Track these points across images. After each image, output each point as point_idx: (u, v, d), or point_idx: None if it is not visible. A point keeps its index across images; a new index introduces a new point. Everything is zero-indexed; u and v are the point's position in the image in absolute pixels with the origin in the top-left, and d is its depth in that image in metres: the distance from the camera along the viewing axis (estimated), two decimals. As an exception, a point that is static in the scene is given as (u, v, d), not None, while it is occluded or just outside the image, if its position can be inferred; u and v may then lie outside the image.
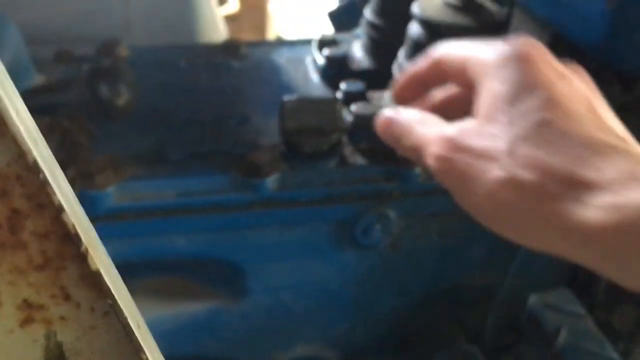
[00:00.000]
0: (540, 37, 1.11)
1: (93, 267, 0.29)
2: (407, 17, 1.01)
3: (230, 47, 1.26)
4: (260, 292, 1.03)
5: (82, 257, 0.28)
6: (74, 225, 0.27)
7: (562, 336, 0.98)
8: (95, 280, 0.29)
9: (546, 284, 1.12)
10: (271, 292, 1.04)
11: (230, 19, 3.94)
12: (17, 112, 0.25)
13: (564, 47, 1.07)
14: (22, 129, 0.25)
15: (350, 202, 0.96)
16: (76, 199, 0.31)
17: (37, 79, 1.09)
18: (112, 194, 0.88)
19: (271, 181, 0.92)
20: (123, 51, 1.19)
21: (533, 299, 1.01)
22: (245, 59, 1.25)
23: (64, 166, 0.91)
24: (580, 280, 1.15)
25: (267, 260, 1.00)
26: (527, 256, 1.05)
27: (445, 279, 1.10)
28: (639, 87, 1.06)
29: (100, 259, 0.30)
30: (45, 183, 0.26)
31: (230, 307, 1.05)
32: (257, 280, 1.02)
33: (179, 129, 1.00)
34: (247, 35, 4.23)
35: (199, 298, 1.05)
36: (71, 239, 0.28)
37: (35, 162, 0.25)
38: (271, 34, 3.80)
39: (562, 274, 1.14)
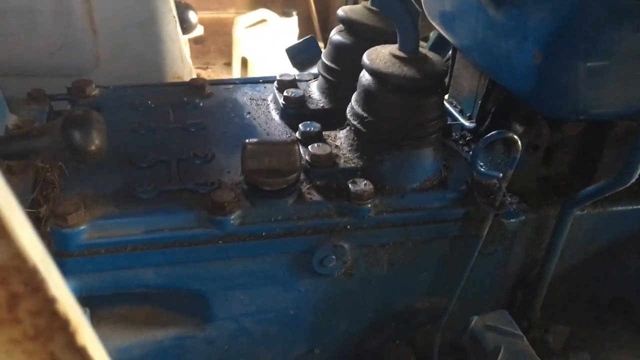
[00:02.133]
0: (478, 84, 1.22)
1: (80, 342, 0.35)
2: (360, 63, 1.10)
3: (195, 86, 1.34)
4: (224, 320, 1.10)
5: (71, 335, 0.34)
6: (65, 311, 0.34)
7: (501, 355, 1.07)
8: (83, 352, 0.35)
9: (486, 307, 1.22)
10: (234, 319, 1.11)
11: (196, 42, 4.01)
12: (15, 215, 0.32)
13: (499, 93, 1.19)
14: (20, 230, 0.31)
15: (308, 235, 1.04)
16: (61, 278, 0.36)
17: (11, 119, 1.15)
18: (84, 232, 0.94)
19: (234, 218, 0.99)
20: (93, 91, 1.25)
21: (474, 321, 1.10)
22: (210, 97, 1.32)
23: (38, 205, 0.97)
24: (518, 303, 1.26)
25: (231, 289, 1.07)
26: (470, 282, 1.15)
27: (395, 303, 1.19)
28: (565, 128, 1.18)
29: (86, 335, 0.36)
30: (40, 277, 0.32)
31: (196, 333, 1.12)
32: (221, 309, 1.09)
33: (147, 168, 1.07)
34: (213, 58, 4.30)
35: (166, 326, 1.11)
36: (59, 319, 0.34)
37: (31, 257, 0.32)
38: (237, 56, 3.87)
39: (501, 298, 1.25)
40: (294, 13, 3.94)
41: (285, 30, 3.84)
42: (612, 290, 1.33)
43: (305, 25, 4.10)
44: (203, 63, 4.22)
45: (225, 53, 4.15)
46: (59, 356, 0.35)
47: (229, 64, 4.08)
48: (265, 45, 3.74)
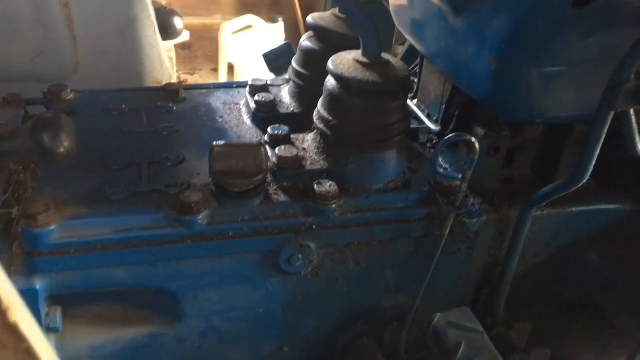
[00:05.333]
0: (443, 89, 1.27)
1: (12, 319, 0.38)
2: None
3: (169, 91, 1.37)
4: (194, 318, 1.13)
5: (2, 312, 0.37)
6: None
7: (462, 351, 1.10)
8: (14, 329, 0.38)
9: (452, 304, 1.26)
10: (204, 317, 1.14)
11: (183, 48, 4.05)
12: None
13: (461, 98, 1.23)
14: None
15: (274, 235, 1.08)
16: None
17: (-14, 123, 1.17)
18: (54, 232, 0.96)
19: (201, 218, 1.02)
20: (68, 96, 1.28)
21: (437, 318, 1.13)
22: (183, 102, 1.36)
23: (10, 206, 1.00)
24: (483, 301, 1.30)
25: (200, 288, 1.10)
26: (434, 280, 1.19)
27: (362, 301, 1.22)
28: (526, 131, 1.22)
29: (18, 312, 0.39)
30: None
31: (167, 332, 1.14)
32: (191, 307, 1.12)
33: (119, 170, 1.10)
34: (200, 63, 4.34)
35: (138, 324, 1.14)
36: None
37: None
38: (223, 62, 3.91)
39: (466, 296, 1.28)
40: (280, 19, 3.99)
41: (272, 36, 3.89)
42: (574, 289, 1.37)
43: (291, 31, 4.15)
44: (190, 69, 4.26)
45: (212, 59, 4.18)
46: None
47: (216, 70, 4.12)
48: (251, 51, 3.78)
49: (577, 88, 1.02)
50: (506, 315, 1.28)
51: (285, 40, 3.95)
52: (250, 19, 3.84)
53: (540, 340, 1.35)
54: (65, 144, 0.90)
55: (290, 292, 1.16)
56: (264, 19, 3.90)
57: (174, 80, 1.98)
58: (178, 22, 3.17)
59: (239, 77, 3.89)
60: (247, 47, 3.81)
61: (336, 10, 1.32)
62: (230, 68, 3.93)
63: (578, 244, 1.29)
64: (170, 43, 3.14)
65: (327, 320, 1.23)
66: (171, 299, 1.10)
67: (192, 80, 4.10)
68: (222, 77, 3.94)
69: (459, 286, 1.26)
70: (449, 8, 1.09)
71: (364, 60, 1.11)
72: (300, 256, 1.10)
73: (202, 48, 4.23)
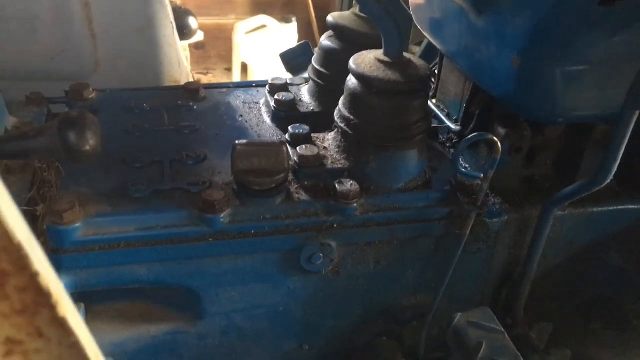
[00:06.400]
0: (463, 88, 1.26)
1: (61, 313, 0.38)
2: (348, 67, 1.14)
3: (190, 90, 1.38)
4: (215, 315, 1.14)
5: (52, 306, 0.38)
6: (47, 284, 0.37)
7: (483, 350, 1.10)
8: (63, 323, 0.39)
9: (472, 304, 1.25)
10: (225, 315, 1.15)
11: (197, 48, 4.07)
12: (2, 199, 0.35)
13: (482, 97, 1.23)
14: (6, 212, 0.35)
15: (295, 233, 1.08)
16: (48, 263, 0.40)
17: (10, 121, 1.19)
18: (79, 229, 0.97)
19: (224, 216, 1.03)
20: (90, 94, 1.30)
21: (457, 318, 1.13)
22: (203, 100, 1.37)
23: (35, 204, 1.02)
24: (503, 300, 1.29)
25: (221, 286, 1.11)
26: (454, 279, 1.19)
27: (382, 300, 1.22)
28: (547, 131, 1.21)
29: (66, 307, 0.40)
30: (24, 254, 0.36)
31: (188, 329, 1.15)
32: (212, 305, 1.12)
33: (141, 168, 1.11)
34: (213, 63, 4.36)
35: (159, 321, 1.15)
36: (43, 293, 0.37)
37: (17, 238, 0.35)
38: (237, 62, 3.92)
39: (486, 295, 1.28)
40: (294, 19, 3.99)
41: (285, 35, 3.89)
42: (595, 289, 1.36)
43: (304, 30, 4.16)
44: (204, 68, 4.28)
45: (226, 58, 4.20)
46: (44, 329, 0.39)
47: (229, 69, 4.14)
48: (265, 51, 3.79)
49: (601, 87, 1.01)
50: (526, 315, 1.28)
51: (298, 40, 3.97)
52: (263, 18, 3.85)
53: (559, 340, 1.34)
54: (91, 143, 0.91)
55: (310, 291, 1.16)
56: (277, 18, 3.91)
57: (191, 79, 1.99)
58: (193, 22, 3.18)
59: (252, 77, 3.91)
60: (261, 47, 3.82)
61: (356, 9, 1.33)
62: (244, 68, 3.95)
63: (599, 244, 1.28)
64: (185, 43, 3.15)
65: (347, 319, 1.23)
66: (192, 296, 1.11)
67: (205, 79, 4.12)
68: (236, 77, 3.96)
69: (479, 286, 1.25)
70: (470, 6, 1.08)
71: (386, 59, 1.11)
72: (321, 255, 1.10)
73: (215, 48, 4.25)
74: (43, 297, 0.35)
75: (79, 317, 0.39)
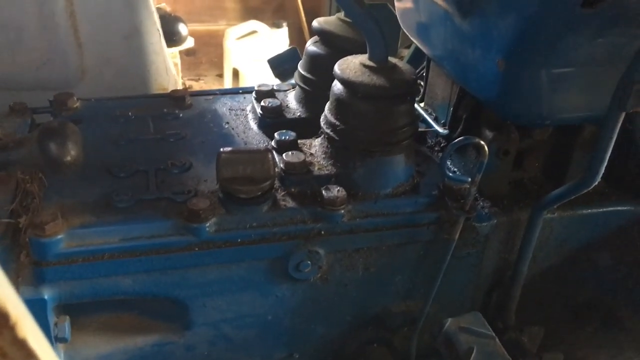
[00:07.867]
0: (450, 92, 1.26)
1: (20, 334, 0.37)
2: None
3: (176, 97, 1.37)
4: (202, 326, 1.13)
5: (11, 327, 0.37)
6: (5, 306, 0.36)
7: (474, 356, 1.09)
8: (23, 344, 0.38)
9: (463, 309, 1.24)
10: (213, 325, 1.13)
11: (188, 54, 4.06)
12: None
13: (469, 100, 1.22)
14: None
15: (283, 241, 1.07)
16: (7, 282, 0.39)
17: (-7, 132, 1.17)
18: (61, 241, 0.96)
19: (209, 225, 1.02)
20: (74, 104, 1.28)
21: (448, 323, 1.12)
22: (189, 108, 1.35)
23: (17, 216, 1.00)
24: (494, 305, 1.28)
25: (208, 296, 1.09)
26: (445, 285, 1.18)
27: (372, 307, 1.21)
28: (534, 133, 1.21)
29: (26, 328, 0.38)
30: None
31: (175, 340, 1.14)
32: (199, 315, 1.11)
33: (126, 178, 1.10)
34: (205, 69, 4.34)
35: (146, 332, 1.13)
36: (2, 315, 0.36)
37: None
38: (228, 68, 3.91)
39: (477, 300, 1.27)
40: (284, 24, 3.99)
41: (276, 41, 3.89)
42: (586, 291, 1.35)
43: (295, 36, 4.15)
44: (195, 75, 4.26)
45: (217, 64, 4.19)
46: (7, 349, 0.38)
47: (221, 76, 4.13)
48: (256, 56, 3.78)
49: (586, 89, 1.01)
50: (517, 319, 1.27)
51: (289, 46, 3.97)
52: (254, 24, 3.85)
53: (552, 343, 1.33)
54: (72, 153, 0.90)
55: (299, 299, 1.15)
56: (268, 24, 3.91)
57: (179, 86, 1.98)
58: (182, 29, 3.17)
59: (243, 83, 3.90)
60: (252, 53, 3.81)
61: (342, 15, 1.32)
62: (235, 73, 3.94)
63: (589, 246, 1.27)
64: (175, 49, 3.15)
65: (337, 327, 1.22)
66: (179, 307, 1.10)
67: (197, 86, 4.11)
68: (227, 83, 3.95)
69: (469, 290, 1.24)
70: (455, 10, 1.08)
71: (371, 64, 1.10)
72: (309, 262, 1.09)
73: (206, 54, 4.24)
74: (1, 319, 0.34)
75: (41, 337, 0.38)
